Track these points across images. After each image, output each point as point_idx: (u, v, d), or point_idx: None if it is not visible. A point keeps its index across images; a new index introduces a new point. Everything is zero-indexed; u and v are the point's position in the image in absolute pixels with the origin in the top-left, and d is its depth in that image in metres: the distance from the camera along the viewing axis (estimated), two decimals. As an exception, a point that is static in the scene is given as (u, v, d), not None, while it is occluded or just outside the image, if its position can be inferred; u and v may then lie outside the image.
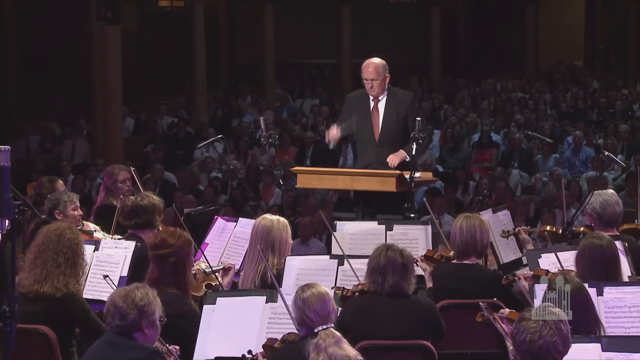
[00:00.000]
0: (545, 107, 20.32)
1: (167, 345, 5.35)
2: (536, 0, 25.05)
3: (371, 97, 8.61)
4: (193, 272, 6.49)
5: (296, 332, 5.24)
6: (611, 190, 7.53)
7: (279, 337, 5.34)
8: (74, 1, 19.43)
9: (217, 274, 6.82)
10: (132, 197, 7.37)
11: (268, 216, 6.80)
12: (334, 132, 8.57)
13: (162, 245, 6.00)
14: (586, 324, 5.24)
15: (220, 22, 24.85)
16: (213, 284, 6.77)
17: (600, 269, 5.93)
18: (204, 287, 6.72)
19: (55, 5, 20.43)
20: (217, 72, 24.43)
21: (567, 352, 4.46)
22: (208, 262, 6.91)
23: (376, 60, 8.55)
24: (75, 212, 7.58)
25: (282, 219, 6.79)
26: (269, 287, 6.19)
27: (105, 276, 6.18)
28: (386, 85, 8.57)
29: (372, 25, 25.79)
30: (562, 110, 20.19)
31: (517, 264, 7.94)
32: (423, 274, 6.96)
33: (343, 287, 6.27)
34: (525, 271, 6.68)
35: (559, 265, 6.54)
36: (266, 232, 6.65)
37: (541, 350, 4.39)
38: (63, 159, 17.09)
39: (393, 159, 8.34)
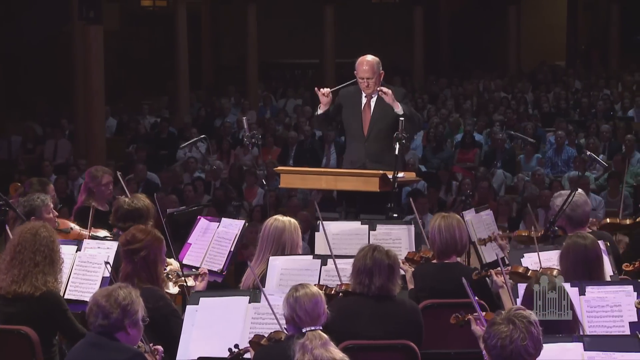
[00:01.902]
0: (527, 107, 20.38)
1: (151, 345, 5.34)
2: (518, 0, 25.12)
3: (364, 94, 8.60)
4: (166, 272, 6.49)
5: (282, 330, 5.24)
6: (579, 190, 7.51)
7: (265, 335, 5.33)
8: (56, 1, 19.36)
9: (190, 277, 6.80)
10: (126, 199, 7.34)
11: (280, 217, 6.78)
12: (326, 92, 8.52)
13: (132, 240, 6.05)
14: (566, 324, 5.26)
15: (203, 22, 24.82)
16: (187, 284, 6.76)
17: (583, 269, 5.96)
18: (177, 286, 6.72)
19: (36, 4, 20.35)
20: (200, 72, 24.40)
21: (539, 354, 4.46)
22: (181, 267, 6.92)
23: (370, 57, 8.51)
24: (50, 215, 7.53)
25: (293, 220, 6.79)
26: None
27: (107, 262, 6.20)
28: (380, 82, 8.55)
29: (354, 25, 25.81)
30: (544, 110, 20.25)
31: (499, 264, 7.93)
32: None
33: (326, 286, 6.27)
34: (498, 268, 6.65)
35: (540, 265, 6.56)
36: (278, 234, 6.65)
37: (512, 354, 4.38)
38: (45, 159, 17.03)
39: (386, 90, 8.32)
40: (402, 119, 8.01)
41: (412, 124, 8.41)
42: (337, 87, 8.67)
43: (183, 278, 6.77)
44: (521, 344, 4.38)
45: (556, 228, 7.74)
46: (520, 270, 6.45)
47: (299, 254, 6.77)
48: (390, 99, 8.32)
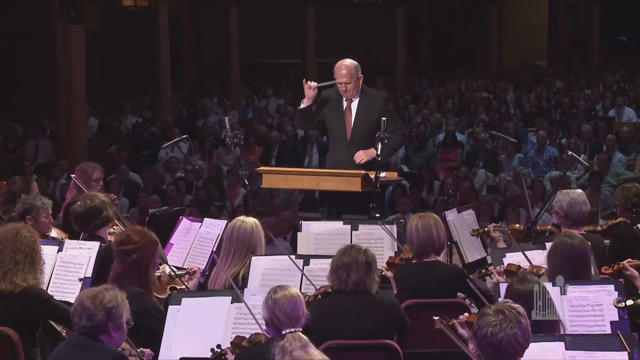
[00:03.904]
0: (509, 107, 20.42)
1: (140, 349, 5.32)
2: (500, 1, 25.18)
3: (344, 98, 8.59)
4: (158, 274, 6.47)
5: (264, 332, 5.23)
6: (579, 190, 7.56)
7: (246, 336, 5.33)
8: (37, 0, 19.29)
9: (182, 278, 6.79)
10: (79, 203, 7.29)
11: (245, 219, 6.76)
12: (313, 85, 8.49)
13: (126, 241, 6.02)
14: (548, 323, 5.28)
15: (184, 21, 24.77)
16: (178, 287, 6.74)
17: (570, 268, 5.97)
18: (168, 289, 6.70)
19: (17, 4, 20.27)
20: (182, 72, 24.35)
21: (528, 345, 4.50)
22: (171, 267, 6.89)
23: (348, 62, 8.49)
24: (47, 220, 7.52)
25: (256, 220, 6.80)
26: (240, 288, 6.18)
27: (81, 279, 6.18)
28: (360, 86, 8.55)
29: (336, 25, 25.81)
30: (526, 110, 20.31)
31: (481, 263, 7.97)
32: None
33: (305, 293, 6.26)
34: (499, 267, 6.71)
35: (525, 264, 6.58)
36: (247, 237, 6.65)
37: (502, 343, 4.43)
38: (26, 159, 16.96)
39: (362, 156, 8.33)
40: (384, 119, 8.01)
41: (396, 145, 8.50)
42: (324, 84, 8.67)
43: (176, 279, 6.75)
44: (510, 332, 4.42)
45: (538, 228, 7.78)
46: (514, 268, 6.49)
47: (264, 254, 6.78)
48: (366, 159, 8.30)
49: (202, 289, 6.96)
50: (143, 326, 5.63)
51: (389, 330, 5.93)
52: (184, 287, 6.72)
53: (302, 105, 8.64)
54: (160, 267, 6.70)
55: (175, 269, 6.90)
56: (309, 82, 8.55)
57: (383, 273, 6.91)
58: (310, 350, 4.87)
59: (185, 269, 7.08)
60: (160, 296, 6.48)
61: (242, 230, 6.66)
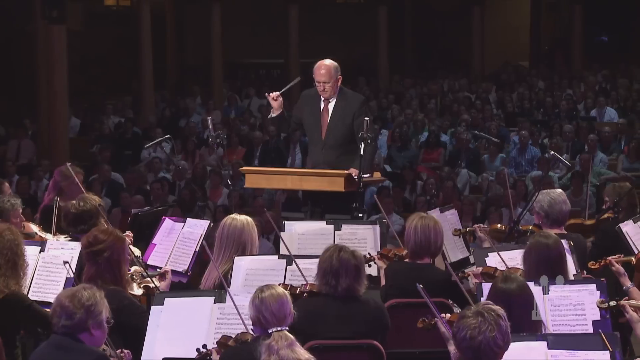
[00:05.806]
0: (491, 107, 20.47)
1: (118, 351, 5.31)
2: (482, 1, 25.24)
3: (322, 97, 8.60)
4: (130, 273, 6.47)
5: (249, 332, 5.23)
6: (559, 190, 7.61)
7: (232, 336, 5.32)
8: (19, 0, 19.21)
9: (153, 278, 6.77)
10: (73, 202, 7.28)
11: (237, 216, 6.75)
12: (274, 96, 8.52)
13: (94, 242, 6.01)
14: (529, 323, 5.29)
15: (167, 21, 24.73)
16: (151, 286, 6.73)
17: (546, 268, 5.98)
18: (142, 287, 6.69)
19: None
20: (165, 72, 24.30)
21: (508, 347, 4.51)
22: (144, 266, 6.89)
23: (328, 62, 8.49)
24: (17, 220, 7.47)
25: (249, 218, 6.78)
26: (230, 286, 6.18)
27: (66, 262, 6.20)
28: (338, 87, 8.55)
29: (319, 25, 25.81)
30: (508, 110, 20.36)
31: (464, 263, 7.99)
32: (374, 274, 6.97)
33: (291, 286, 6.26)
34: (475, 269, 6.72)
35: (505, 265, 6.60)
36: (238, 234, 6.63)
37: (481, 346, 4.43)
38: (8, 159, 16.90)
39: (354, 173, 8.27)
40: (366, 119, 8.01)
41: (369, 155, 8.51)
42: (284, 89, 8.69)
43: (147, 278, 6.74)
44: (490, 335, 4.42)
45: (520, 228, 7.81)
46: (490, 270, 6.50)
47: (256, 253, 6.76)
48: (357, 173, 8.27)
49: (189, 289, 6.97)
50: (123, 323, 5.62)
51: (374, 335, 5.90)
52: (156, 285, 6.71)
53: (273, 115, 8.66)
54: (132, 268, 6.69)
55: (146, 269, 6.89)
56: (271, 94, 8.57)
57: (375, 261, 6.91)
58: (296, 349, 4.88)
59: (158, 268, 7.08)
60: (134, 293, 6.47)
61: (232, 228, 6.64)
